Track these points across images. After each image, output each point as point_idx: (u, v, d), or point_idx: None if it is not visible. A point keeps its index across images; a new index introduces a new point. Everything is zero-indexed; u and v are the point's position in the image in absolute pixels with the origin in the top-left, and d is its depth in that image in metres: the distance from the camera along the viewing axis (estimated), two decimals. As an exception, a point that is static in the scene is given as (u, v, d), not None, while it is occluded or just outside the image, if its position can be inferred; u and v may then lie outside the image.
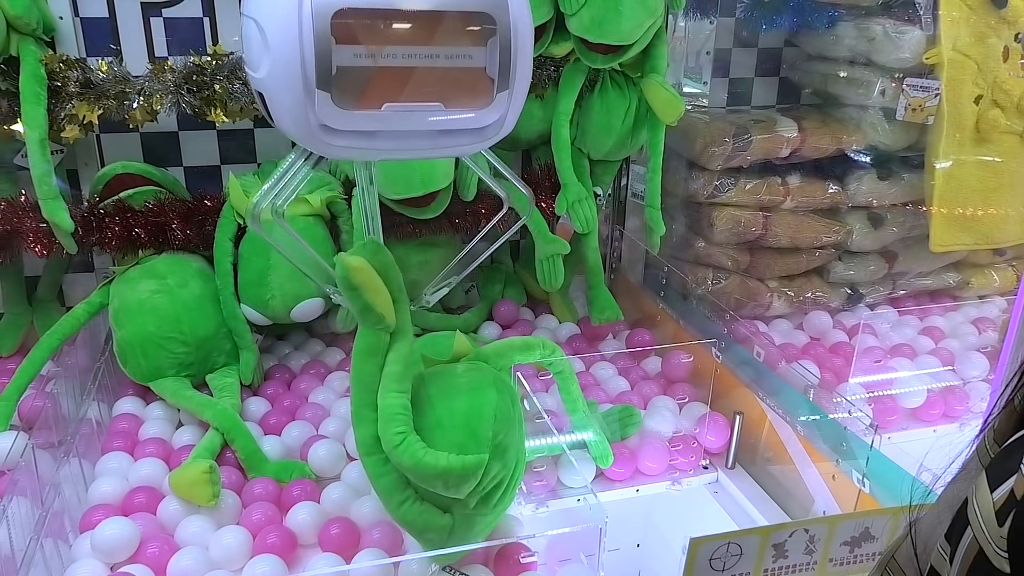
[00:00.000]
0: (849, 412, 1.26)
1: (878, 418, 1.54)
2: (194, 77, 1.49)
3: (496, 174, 1.11)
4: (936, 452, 0.61)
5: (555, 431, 1.33)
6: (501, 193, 1.15)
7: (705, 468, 1.48)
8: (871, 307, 2.03)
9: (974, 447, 0.57)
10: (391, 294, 1.01)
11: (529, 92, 1.77)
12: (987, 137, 1.85)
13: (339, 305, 1.59)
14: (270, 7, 0.81)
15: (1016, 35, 1.83)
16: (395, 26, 0.83)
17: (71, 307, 1.58)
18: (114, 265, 1.61)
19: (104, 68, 1.48)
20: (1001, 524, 0.47)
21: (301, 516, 1.23)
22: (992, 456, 0.54)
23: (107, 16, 1.65)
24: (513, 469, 1.08)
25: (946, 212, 1.88)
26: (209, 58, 1.50)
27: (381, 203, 1.20)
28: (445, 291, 1.22)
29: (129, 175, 1.63)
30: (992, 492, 0.48)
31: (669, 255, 1.92)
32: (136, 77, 1.49)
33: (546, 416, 1.31)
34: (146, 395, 1.55)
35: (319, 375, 1.66)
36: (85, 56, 1.63)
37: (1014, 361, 1.27)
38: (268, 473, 1.34)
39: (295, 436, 1.44)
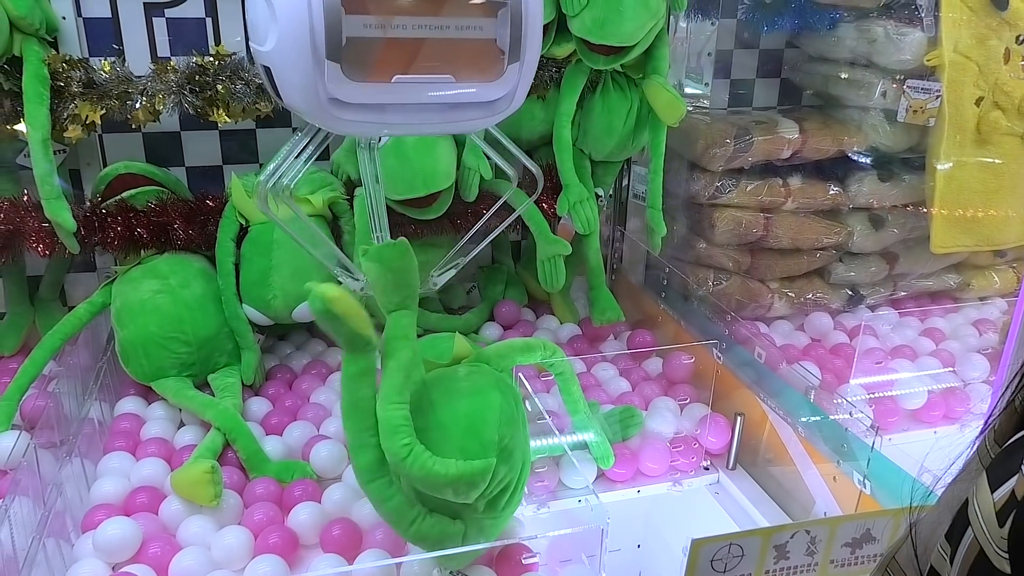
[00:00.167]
0: (850, 413, 1.26)
1: (879, 419, 1.54)
2: (196, 77, 1.49)
3: (504, 153, 1.10)
4: (937, 453, 0.61)
5: (556, 432, 1.33)
6: (510, 171, 1.14)
7: (706, 469, 1.48)
8: (872, 308, 2.03)
9: (975, 448, 0.57)
10: (406, 300, 1.00)
11: (531, 93, 1.78)
12: (988, 139, 1.86)
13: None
14: None
15: (1017, 37, 1.83)
16: None
17: (73, 307, 1.59)
18: (116, 265, 1.61)
19: (107, 68, 1.49)
20: (1002, 524, 0.47)
21: (303, 516, 1.23)
22: (993, 457, 0.54)
23: (110, 16, 1.65)
24: (520, 471, 1.08)
25: (947, 214, 1.88)
26: (211, 58, 1.50)
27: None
28: (452, 272, 1.20)
29: (131, 175, 1.63)
30: (993, 493, 0.49)
31: (670, 256, 1.92)
32: (139, 77, 1.50)
33: (547, 417, 1.31)
34: (148, 395, 1.55)
35: (321, 375, 1.66)
36: (88, 56, 1.63)
37: (1015, 362, 1.28)
38: (270, 473, 1.35)
39: (296, 436, 1.44)
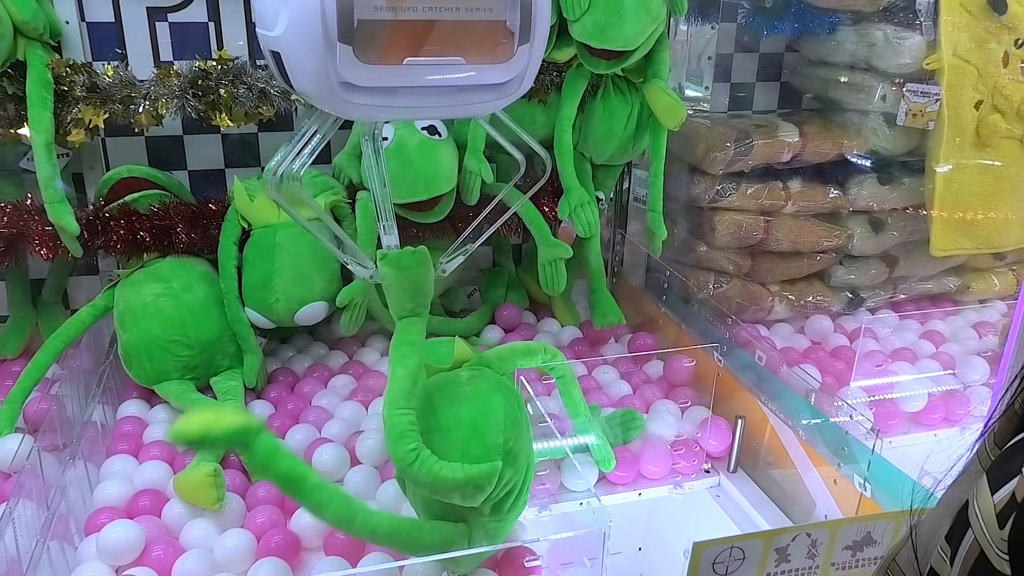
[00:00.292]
0: (850, 416, 1.26)
1: (879, 422, 1.54)
2: (199, 82, 1.50)
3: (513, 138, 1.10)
4: (937, 456, 0.62)
5: (558, 435, 1.33)
6: (518, 156, 1.14)
7: (707, 472, 1.49)
8: (872, 311, 2.03)
9: (975, 450, 0.58)
10: (418, 307, 1.02)
11: (532, 97, 1.79)
12: (987, 142, 1.86)
13: (342, 309, 1.60)
14: None
15: (1016, 41, 1.84)
16: None
17: (76, 310, 1.59)
18: (119, 268, 1.61)
19: (110, 72, 1.49)
20: (1002, 526, 0.47)
21: (306, 519, 1.23)
22: (993, 459, 0.55)
23: (113, 21, 1.66)
24: (524, 474, 1.08)
25: (947, 216, 1.88)
26: (214, 63, 1.51)
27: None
28: (461, 259, 1.20)
29: (134, 179, 1.63)
30: (993, 495, 0.49)
31: (671, 259, 1.93)
32: (142, 81, 1.50)
33: (549, 420, 1.31)
34: (150, 398, 1.56)
35: (323, 379, 1.67)
36: (91, 60, 1.63)
37: (1015, 365, 1.28)
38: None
39: (299, 440, 1.44)
